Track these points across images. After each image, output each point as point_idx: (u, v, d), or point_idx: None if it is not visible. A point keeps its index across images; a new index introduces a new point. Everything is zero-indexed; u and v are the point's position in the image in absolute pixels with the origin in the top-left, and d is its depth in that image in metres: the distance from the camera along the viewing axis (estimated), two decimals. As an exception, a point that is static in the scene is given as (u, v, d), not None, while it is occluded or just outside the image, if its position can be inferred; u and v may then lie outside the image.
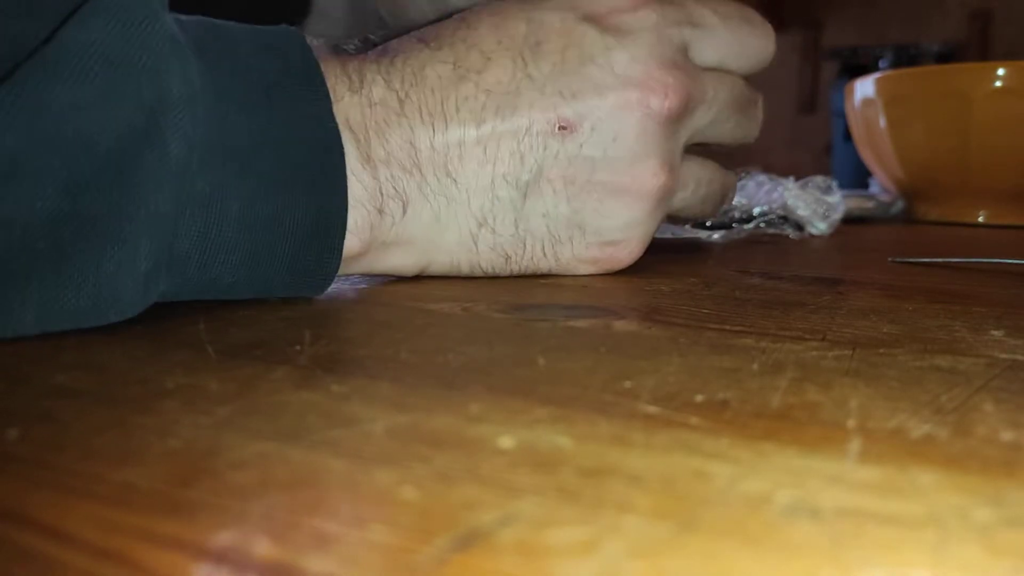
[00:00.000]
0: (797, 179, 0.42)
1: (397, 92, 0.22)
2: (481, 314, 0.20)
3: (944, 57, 2.15)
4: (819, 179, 0.39)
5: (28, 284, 0.15)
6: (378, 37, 0.26)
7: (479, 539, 0.08)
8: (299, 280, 0.20)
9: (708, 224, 0.40)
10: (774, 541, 0.08)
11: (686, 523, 0.09)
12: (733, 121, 0.27)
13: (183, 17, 0.19)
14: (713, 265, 0.31)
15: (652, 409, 0.12)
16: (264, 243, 0.19)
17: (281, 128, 0.19)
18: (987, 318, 0.20)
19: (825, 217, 0.37)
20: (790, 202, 0.37)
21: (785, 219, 0.40)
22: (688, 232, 0.39)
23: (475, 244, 0.23)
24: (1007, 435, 0.11)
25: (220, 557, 0.08)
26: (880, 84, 0.66)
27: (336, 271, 0.21)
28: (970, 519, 0.09)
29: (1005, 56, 2.30)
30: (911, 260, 0.33)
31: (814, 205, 0.37)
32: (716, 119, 0.26)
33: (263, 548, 0.08)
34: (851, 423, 0.12)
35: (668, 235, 0.38)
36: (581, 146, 0.23)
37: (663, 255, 0.33)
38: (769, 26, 0.26)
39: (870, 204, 0.67)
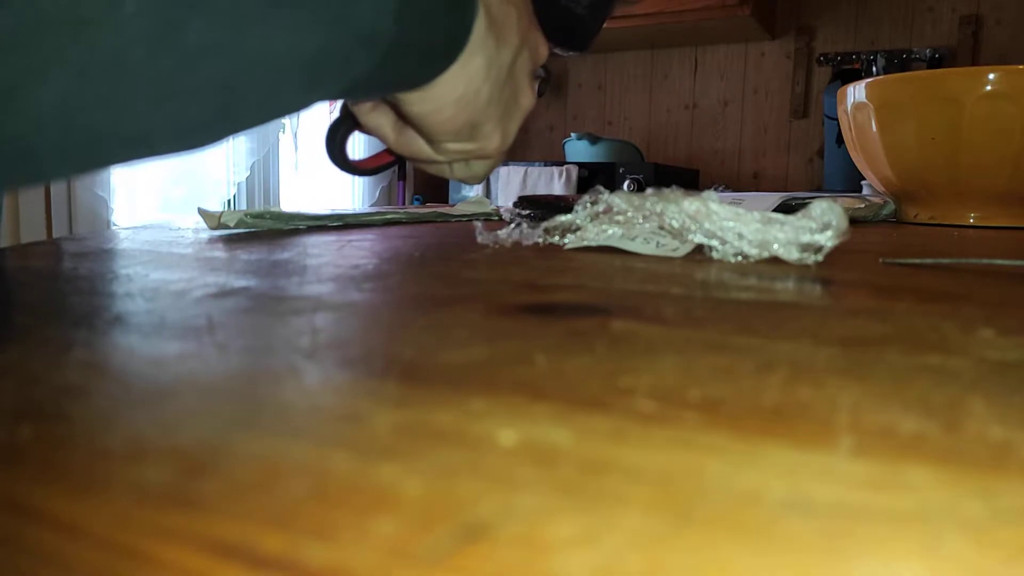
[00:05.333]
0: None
1: None
2: (483, 314, 0.20)
3: (935, 62, 2.16)
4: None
5: None
6: None
7: (480, 532, 0.08)
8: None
9: None
10: (768, 535, 0.08)
11: (682, 517, 0.09)
12: None
13: None
14: (708, 267, 0.31)
15: (649, 406, 0.12)
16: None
17: None
18: (977, 318, 0.20)
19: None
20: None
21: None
22: None
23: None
24: (996, 432, 0.11)
25: (227, 549, 0.08)
26: (872, 89, 0.67)
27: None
28: (960, 514, 0.09)
29: (996, 61, 2.32)
30: (902, 261, 0.33)
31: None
32: None
33: (269, 540, 0.08)
34: (843, 420, 0.12)
35: None
36: None
37: (658, 257, 0.33)
38: None
39: (861, 206, 0.68)
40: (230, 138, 0.21)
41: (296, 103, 0.22)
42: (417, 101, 0.30)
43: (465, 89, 0.30)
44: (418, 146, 0.35)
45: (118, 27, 0.16)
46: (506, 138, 0.36)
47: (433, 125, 0.32)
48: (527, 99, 0.35)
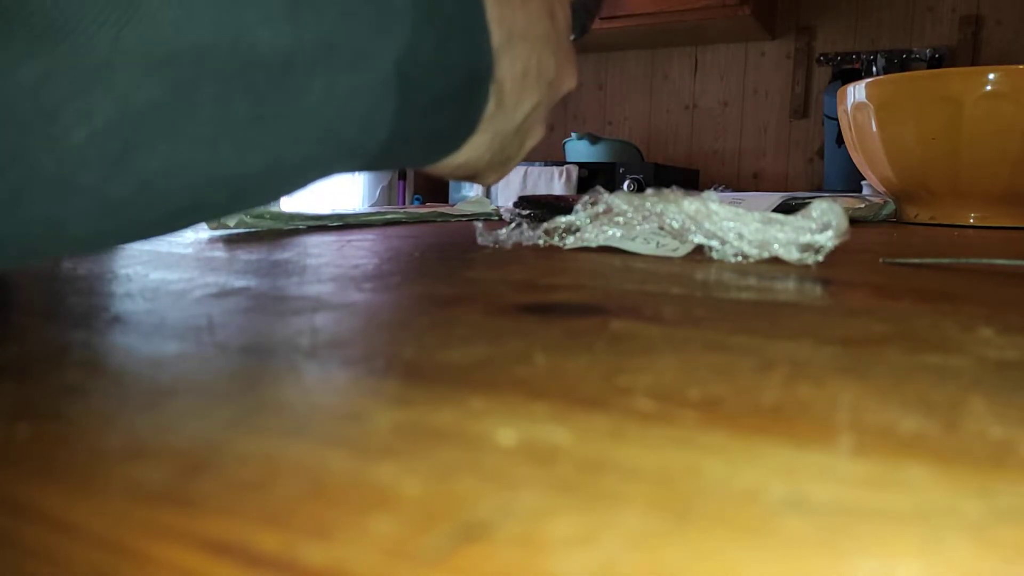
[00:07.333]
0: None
1: None
2: (483, 314, 0.20)
3: (935, 62, 2.16)
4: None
5: None
6: None
7: (479, 531, 0.08)
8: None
9: None
10: (767, 534, 0.08)
11: (681, 516, 0.09)
12: None
13: None
14: (708, 267, 0.31)
15: (648, 405, 0.12)
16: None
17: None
18: (977, 317, 0.20)
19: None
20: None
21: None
22: None
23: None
24: (996, 431, 0.11)
25: (224, 548, 0.08)
26: (872, 89, 0.67)
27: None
28: (960, 513, 0.09)
29: (996, 61, 2.32)
30: (902, 261, 0.33)
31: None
32: None
33: (266, 539, 0.08)
34: (843, 419, 0.12)
35: None
36: None
37: (658, 257, 0.33)
38: None
39: (861, 206, 0.68)
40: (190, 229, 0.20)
41: (268, 200, 0.20)
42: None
43: (467, 159, 0.29)
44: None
45: (64, 153, 0.14)
46: (505, 174, 0.35)
47: (434, 175, 0.32)
48: (533, 141, 0.34)
